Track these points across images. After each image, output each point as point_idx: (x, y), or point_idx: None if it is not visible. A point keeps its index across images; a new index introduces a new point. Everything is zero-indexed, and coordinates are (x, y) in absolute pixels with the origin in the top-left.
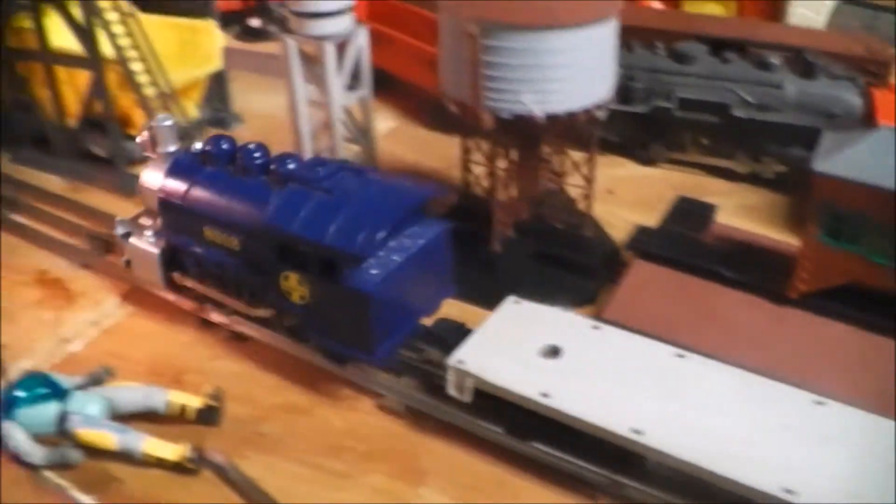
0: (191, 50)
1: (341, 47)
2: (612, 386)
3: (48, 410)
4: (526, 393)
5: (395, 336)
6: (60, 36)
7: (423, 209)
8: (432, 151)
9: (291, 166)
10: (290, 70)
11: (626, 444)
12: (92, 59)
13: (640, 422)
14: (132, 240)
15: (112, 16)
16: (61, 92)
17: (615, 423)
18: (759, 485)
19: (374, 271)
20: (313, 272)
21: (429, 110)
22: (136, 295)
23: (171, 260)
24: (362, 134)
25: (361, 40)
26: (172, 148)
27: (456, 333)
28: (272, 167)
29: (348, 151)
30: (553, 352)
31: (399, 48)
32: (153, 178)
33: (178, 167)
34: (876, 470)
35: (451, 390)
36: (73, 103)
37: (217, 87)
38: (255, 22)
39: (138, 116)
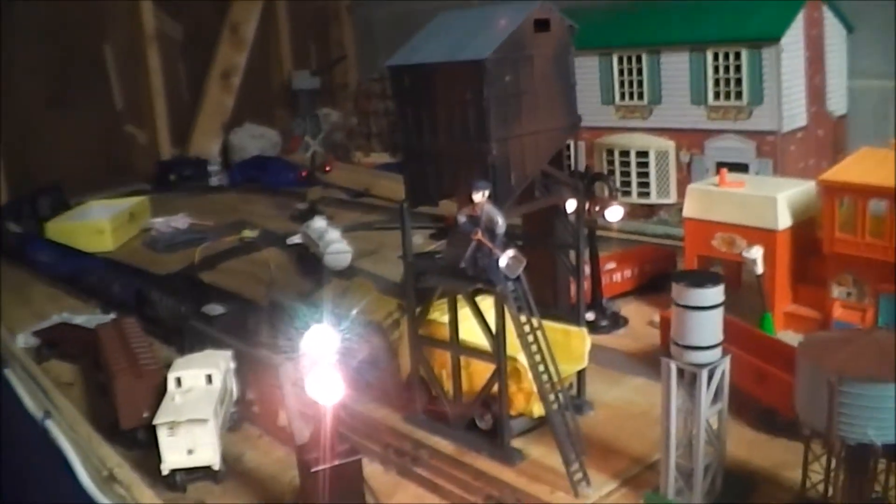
0: (563, 351)
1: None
2: None
3: None
4: None
5: None
6: (465, 330)
7: None
8: (760, 453)
9: None
10: (668, 388)
11: None
12: (497, 356)
13: None
14: None
15: (526, 328)
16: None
17: None
18: None
19: None
20: None
21: (751, 413)
22: None
23: None
24: (716, 437)
25: (725, 366)
26: None
27: None
28: None
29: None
30: None
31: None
32: None
33: None
34: None
35: None
36: (466, 383)
37: (577, 377)
38: (590, 316)
39: (520, 400)
